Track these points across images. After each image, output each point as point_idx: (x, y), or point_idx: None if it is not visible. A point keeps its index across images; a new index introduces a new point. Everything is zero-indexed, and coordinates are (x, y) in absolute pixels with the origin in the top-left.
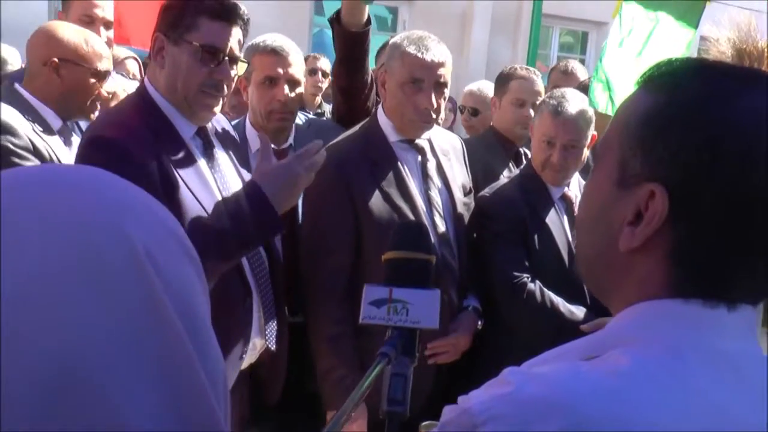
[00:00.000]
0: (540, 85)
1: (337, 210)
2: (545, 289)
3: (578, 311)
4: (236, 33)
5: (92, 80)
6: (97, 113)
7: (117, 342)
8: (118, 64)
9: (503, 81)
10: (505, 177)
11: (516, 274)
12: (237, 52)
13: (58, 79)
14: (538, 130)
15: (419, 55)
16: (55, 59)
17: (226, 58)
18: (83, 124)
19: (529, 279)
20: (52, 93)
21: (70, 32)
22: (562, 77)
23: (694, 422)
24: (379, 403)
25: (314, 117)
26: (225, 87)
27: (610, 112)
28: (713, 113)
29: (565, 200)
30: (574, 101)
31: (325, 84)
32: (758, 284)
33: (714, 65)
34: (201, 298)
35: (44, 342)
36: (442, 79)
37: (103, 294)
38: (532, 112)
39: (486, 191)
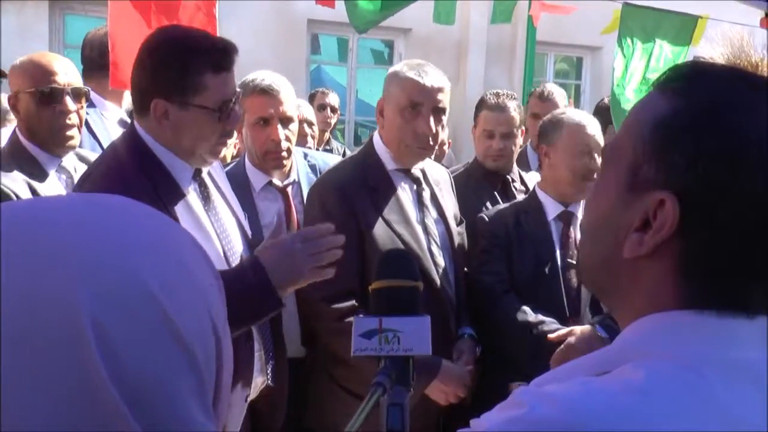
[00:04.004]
0: (514, 111)
1: (346, 233)
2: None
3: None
4: (233, 74)
5: (43, 105)
6: (73, 141)
7: (42, 416)
8: None
9: (476, 110)
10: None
11: (495, 284)
12: (237, 89)
13: (18, 116)
14: (576, 143)
15: (418, 79)
16: (11, 96)
17: (233, 104)
18: None
19: (506, 290)
20: (26, 131)
21: (17, 63)
22: (538, 103)
23: None
24: None
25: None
26: (234, 131)
27: None
28: (732, 123)
29: (561, 220)
30: (580, 113)
31: (334, 119)
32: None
33: (731, 70)
34: (174, 372)
35: None
36: (440, 105)
37: (34, 367)
38: (503, 144)
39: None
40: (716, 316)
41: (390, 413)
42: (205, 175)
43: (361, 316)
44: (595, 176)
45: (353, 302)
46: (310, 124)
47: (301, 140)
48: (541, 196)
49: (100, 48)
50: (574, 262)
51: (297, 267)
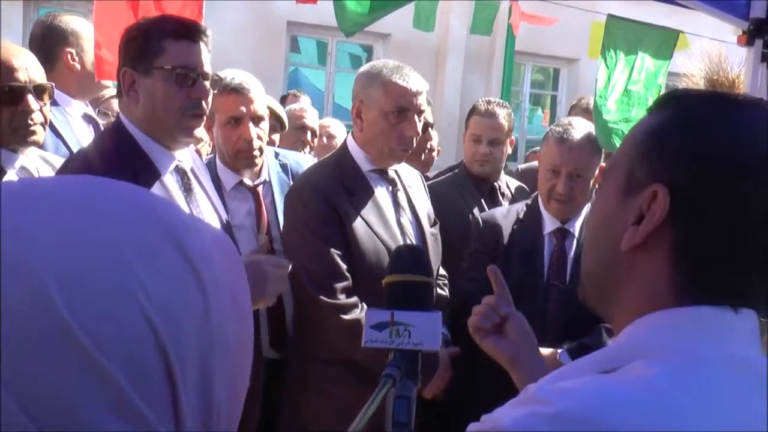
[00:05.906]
0: (503, 119)
1: (333, 232)
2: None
3: None
4: (203, 50)
5: (3, 104)
6: (36, 137)
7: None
8: (103, 102)
9: (468, 115)
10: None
11: (476, 291)
12: (207, 68)
13: None
14: (543, 159)
15: (404, 84)
16: None
17: (200, 76)
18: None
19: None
20: None
21: None
22: (584, 115)
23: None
24: (384, 426)
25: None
26: (204, 105)
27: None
28: (714, 124)
29: (555, 236)
30: (580, 129)
31: None
32: (755, 290)
33: (711, 92)
34: (70, 377)
35: None
36: (422, 107)
37: (34, 361)
38: (489, 149)
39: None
40: (710, 310)
41: (397, 406)
42: (187, 169)
43: (370, 308)
44: (559, 194)
45: (355, 298)
46: (315, 134)
47: (300, 147)
48: (542, 207)
49: (40, 43)
50: (562, 286)
51: (266, 288)
